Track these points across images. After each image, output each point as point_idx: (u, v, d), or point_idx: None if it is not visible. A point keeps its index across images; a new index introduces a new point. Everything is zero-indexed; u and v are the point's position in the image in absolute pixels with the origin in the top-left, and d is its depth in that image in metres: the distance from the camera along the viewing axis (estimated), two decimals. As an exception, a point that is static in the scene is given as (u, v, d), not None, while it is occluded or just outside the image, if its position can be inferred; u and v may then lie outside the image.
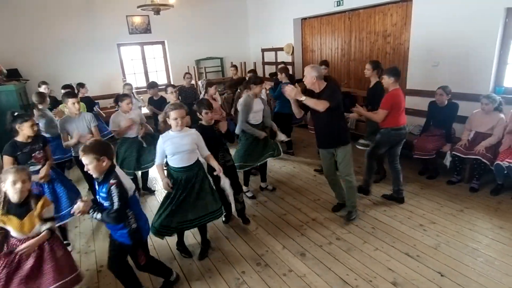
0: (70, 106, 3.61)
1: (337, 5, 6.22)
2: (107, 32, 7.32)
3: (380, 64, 4.26)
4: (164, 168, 2.95)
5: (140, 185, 4.57)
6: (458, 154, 4.04)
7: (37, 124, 3.21)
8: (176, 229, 2.89)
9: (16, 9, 6.42)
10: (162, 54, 8.36)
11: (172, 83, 8.03)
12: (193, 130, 2.93)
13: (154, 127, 4.71)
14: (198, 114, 3.24)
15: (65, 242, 2.91)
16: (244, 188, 4.19)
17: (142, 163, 4.16)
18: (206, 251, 3.14)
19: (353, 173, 3.45)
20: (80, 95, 5.58)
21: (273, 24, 8.10)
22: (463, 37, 4.42)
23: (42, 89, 5.21)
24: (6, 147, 2.93)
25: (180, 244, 3.17)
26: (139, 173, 4.39)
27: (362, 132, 5.04)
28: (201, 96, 5.44)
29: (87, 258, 3.21)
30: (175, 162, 2.82)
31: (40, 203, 2.24)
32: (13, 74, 6.17)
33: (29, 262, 2.17)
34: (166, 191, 2.91)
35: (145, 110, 5.96)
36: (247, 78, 4.87)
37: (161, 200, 2.98)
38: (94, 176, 2.14)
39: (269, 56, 8.50)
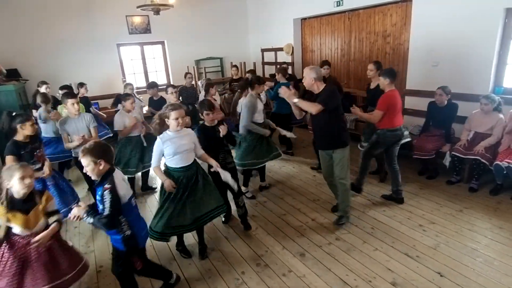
0: (70, 106, 3.61)
1: (337, 5, 6.23)
2: (107, 32, 7.32)
3: (381, 65, 4.27)
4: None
5: (140, 185, 4.58)
6: (458, 154, 4.04)
7: (36, 123, 3.24)
8: (179, 231, 2.88)
9: (16, 9, 6.42)
10: (161, 54, 8.36)
11: (172, 83, 8.03)
12: (190, 130, 2.95)
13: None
14: (200, 114, 3.27)
15: None
16: (243, 189, 4.20)
17: (145, 163, 4.17)
18: (205, 250, 3.15)
19: (349, 177, 3.40)
20: (79, 95, 5.58)
21: (273, 24, 8.10)
22: (463, 37, 4.43)
23: (43, 89, 5.21)
24: (9, 147, 2.94)
25: (180, 244, 3.17)
26: (139, 173, 4.39)
27: (362, 132, 5.04)
28: (200, 96, 5.45)
29: (86, 258, 3.21)
30: (175, 162, 2.82)
31: (44, 197, 2.30)
32: (13, 74, 6.17)
33: (43, 256, 2.22)
34: (161, 192, 2.90)
35: (145, 110, 5.96)
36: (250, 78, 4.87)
37: (159, 201, 2.94)
38: (92, 178, 2.14)
39: (269, 56, 8.50)
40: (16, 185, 2.14)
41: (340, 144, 3.26)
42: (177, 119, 2.71)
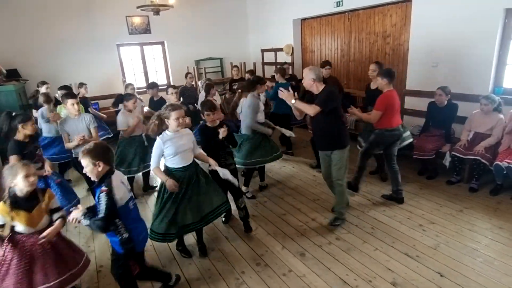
0: (70, 107, 3.61)
1: (337, 6, 6.23)
2: (107, 32, 7.32)
3: (383, 65, 4.28)
4: None
5: (141, 186, 4.58)
6: (458, 154, 4.05)
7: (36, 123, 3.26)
8: (188, 229, 2.88)
9: (16, 9, 6.42)
10: (161, 55, 8.36)
11: (171, 83, 8.05)
12: (188, 130, 2.96)
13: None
14: (201, 115, 3.28)
15: None
16: (244, 189, 4.20)
17: (146, 162, 4.17)
18: (205, 248, 3.16)
19: (345, 178, 3.39)
20: (79, 95, 5.58)
21: (272, 24, 8.10)
22: (463, 37, 4.43)
23: (44, 89, 5.20)
24: (13, 146, 2.96)
25: (180, 244, 3.17)
26: (139, 174, 4.38)
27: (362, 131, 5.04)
28: (200, 96, 5.45)
29: (86, 258, 3.21)
30: (176, 162, 2.82)
31: (46, 195, 2.33)
32: (13, 74, 6.17)
33: (50, 253, 2.26)
34: (160, 192, 2.89)
35: (145, 110, 5.96)
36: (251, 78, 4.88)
37: (160, 201, 2.90)
38: (91, 178, 2.14)
39: (269, 57, 8.51)
40: (21, 183, 2.16)
41: (339, 145, 3.25)
42: (177, 119, 2.72)
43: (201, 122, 4.77)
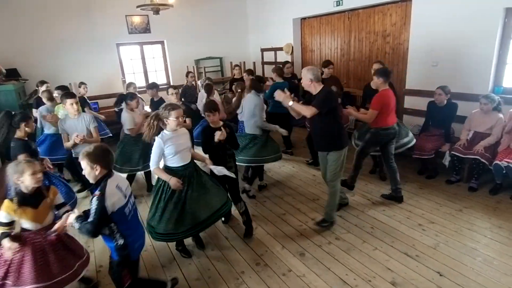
0: (69, 106, 3.61)
1: (337, 5, 6.23)
2: (107, 32, 7.31)
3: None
4: None
5: (139, 187, 4.58)
6: (457, 153, 4.05)
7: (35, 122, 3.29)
8: (184, 234, 2.87)
9: (16, 9, 6.41)
10: (161, 54, 8.35)
11: (171, 82, 8.05)
12: (185, 129, 2.98)
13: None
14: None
15: None
16: (247, 187, 4.21)
17: (147, 162, 4.15)
18: (201, 240, 3.24)
19: (339, 180, 3.36)
20: (78, 95, 5.57)
21: (272, 24, 8.09)
22: (463, 37, 4.43)
23: (44, 88, 5.19)
24: (17, 145, 2.98)
25: (180, 244, 3.17)
26: (139, 174, 4.37)
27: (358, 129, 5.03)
28: (200, 95, 5.45)
29: (86, 258, 3.21)
30: (176, 161, 2.83)
31: (51, 192, 2.38)
32: (12, 74, 6.17)
33: (60, 246, 2.34)
34: (158, 192, 2.89)
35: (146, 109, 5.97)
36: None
37: (155, 201, 2.89)
38: (90, 181, 2.13)
39: (269, 56, 8.50)
40: (28, 181, 2.18)
41: (336, 147, 3.21)
42: (177, 118, 2.73)
43: (201, 122, 4.78)
